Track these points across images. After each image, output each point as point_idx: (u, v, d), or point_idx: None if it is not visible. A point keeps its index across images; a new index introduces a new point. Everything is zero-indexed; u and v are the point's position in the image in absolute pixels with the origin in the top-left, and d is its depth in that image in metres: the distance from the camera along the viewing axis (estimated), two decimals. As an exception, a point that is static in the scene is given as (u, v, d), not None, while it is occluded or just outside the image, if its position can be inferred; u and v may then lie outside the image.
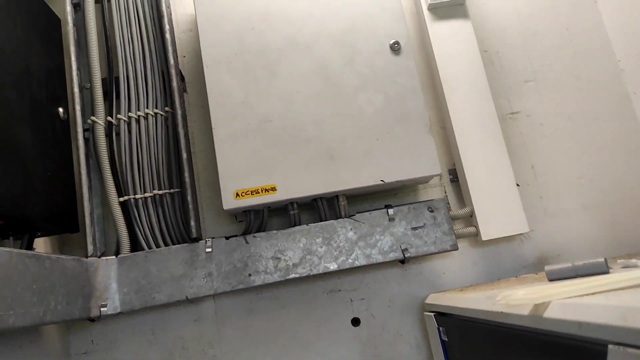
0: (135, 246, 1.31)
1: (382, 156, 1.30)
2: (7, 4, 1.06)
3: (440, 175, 1.48)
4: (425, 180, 1.39)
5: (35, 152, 1.06)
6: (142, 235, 1.30)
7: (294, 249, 1.29)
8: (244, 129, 1.29)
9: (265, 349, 1.36)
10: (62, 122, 1.24)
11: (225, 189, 1.25)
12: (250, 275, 1.27)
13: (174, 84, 1.37)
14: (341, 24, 1.37)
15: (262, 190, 1.25)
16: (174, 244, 1.31)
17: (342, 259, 1.30)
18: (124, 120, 1.35)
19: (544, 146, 1.55)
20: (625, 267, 0.82)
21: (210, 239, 1.29)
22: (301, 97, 1.32)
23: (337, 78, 1.34)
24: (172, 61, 1.39)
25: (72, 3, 1.41)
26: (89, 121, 1.35)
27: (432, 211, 1.36)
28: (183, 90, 1.52)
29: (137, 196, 1.31)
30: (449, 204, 1.50)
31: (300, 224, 1.33)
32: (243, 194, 1.25)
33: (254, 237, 1.30)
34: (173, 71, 1.38)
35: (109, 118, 1.36)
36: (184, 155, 1.33)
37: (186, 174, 1.32)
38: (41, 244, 1.23)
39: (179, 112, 1.36)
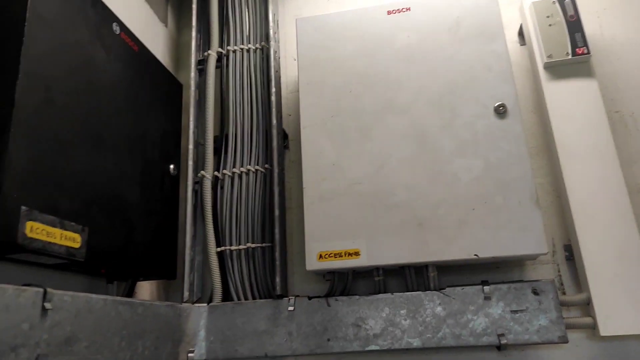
0: (226, 296, 1.38)
1: (477, 228, 1.19)
2: (133, 75, 1.23)
3: (549, 253, 1.31)
4: (529, 257, 1.24)
5: (141, 207, 1.19)
6: (232, 286, 1.37)
7: (375, 318, 1.24)
8: (333, 191, 1.29)
9: (342, 420, 1.30)
10: (171, 177, 1.39)
11: (309, 250, 1.25)
12: (329, 340, 1.24)
13: (274, 143, 1.45)
14: (441, 86, 1.32)
15: (345, 254, 1.23)
16: (260, 298, 1.35)
17: (427, 335, 1.20)
18: (229, 176, 1.46)
19: (692, 226, 1.27)
20: None
21: (293, 297, 1.30)
22: (393, 160, 1.29)
23: (433, 142, 1.28)
24: (274, 122, 1.47)
25: (196, 69, 1.60)
26: (199, 175, 1.48)
27: (537, 294, 1.19)
28: (285, 147, 1.60)
29: (233, 247, 1.39)
30: (562, 285, 1.31)
31: (385, 291, 1.28)
32: (327, 256, 1.24)
33: (336, 300, 1.27)
34: (275, 131, 1.46)
35: (215, 173, 1.48)
36: (276, 212, 1.38)
37: (276, 230, 1.37)
38: (147, 287, 1.36)
39: (276, 170, 1.42)
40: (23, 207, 0.79)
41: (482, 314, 1.19)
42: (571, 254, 1.32)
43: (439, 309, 1.22)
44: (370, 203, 1.26)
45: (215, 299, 1.36)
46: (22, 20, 0.85)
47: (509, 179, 1.21)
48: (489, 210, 1.20)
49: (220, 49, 1.60)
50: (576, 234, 1.25)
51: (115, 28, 1.17)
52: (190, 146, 1.50)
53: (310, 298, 1.29)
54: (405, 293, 1.24)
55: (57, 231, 0.84)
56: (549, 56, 1.38)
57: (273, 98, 1.50)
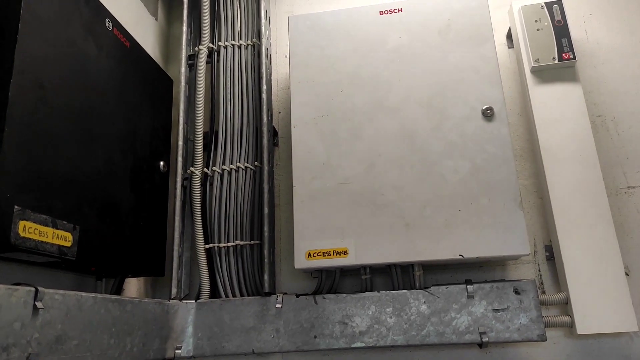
0: (214, 292, 1.39)
1: (463, 229, 1.22)
2: (124, 71, 1.23)
3: (529, 254, 1.35)
4: (512, 257, 1.28)
5: (130, 205, 1.19)
6: (220, 283, 1.37)
7: (362, 315, 1.26)
8: (322, 190, 1.31)
9: (327, 414, 1.32)
10: (160, 174, 1.38)
11: (298, 248, 1.27)
12: (315, 337, 1.26)
13: (265, 140, 1.46)
14: (431, 88, 1.34)
15: (333, 253, 1.25)
16: (248, 295, 1.36)
17: (412, 333, 1.23)
18: (218, 172, 1.46)
19: (667, 229, 1.33)
20: None
21: (281, 295, 1.31)
22: (382, 160, 1.30)
23: (422, 143, 1.30)
24: (265, 119, 1.47)
25: (187, 64, 1.59)
26: (188, 171, 1.48)
27: (518, 293, 1.23)
28: (275, 144, 1.61)
29: (221, 244, 1.40)
30: (542, 285, 1.35)
31: (372, 289, 1.30)
32: (315, 255, 1.26)
33: (323, 298, 1.29)
34: (265, 129, 1.47)
35: (205, 169, 1.48)
36: (266, 210, 1.39)
37: (265, 228, 1.38)
38: (134, 283, 1.36)
39: (266, 167, 1.43)
40: (16, 207, 0.78)
41: (465, 313, 1.23)
42: (552, 254, 1.36)
43: (423, 307, 1.25)
44: (359, 202, 1.28)
45: (203, 296, 1.37)
46: (17, 18, 0.83)
47: (494, 181, 1.24)
48: (474, 211, 1.23)
49: (211, 45, 1.59)
50: (557, 235, 1.29)
51: (108, 24, 1.16)
52: (180, 142, 1.49)
53: (297, 296, 1.31)
54: (391, 291, 1.27)
55: (49, 230, 0.84)
56: (536, 60, 1.41)
57: (264, 95, 1.50)
